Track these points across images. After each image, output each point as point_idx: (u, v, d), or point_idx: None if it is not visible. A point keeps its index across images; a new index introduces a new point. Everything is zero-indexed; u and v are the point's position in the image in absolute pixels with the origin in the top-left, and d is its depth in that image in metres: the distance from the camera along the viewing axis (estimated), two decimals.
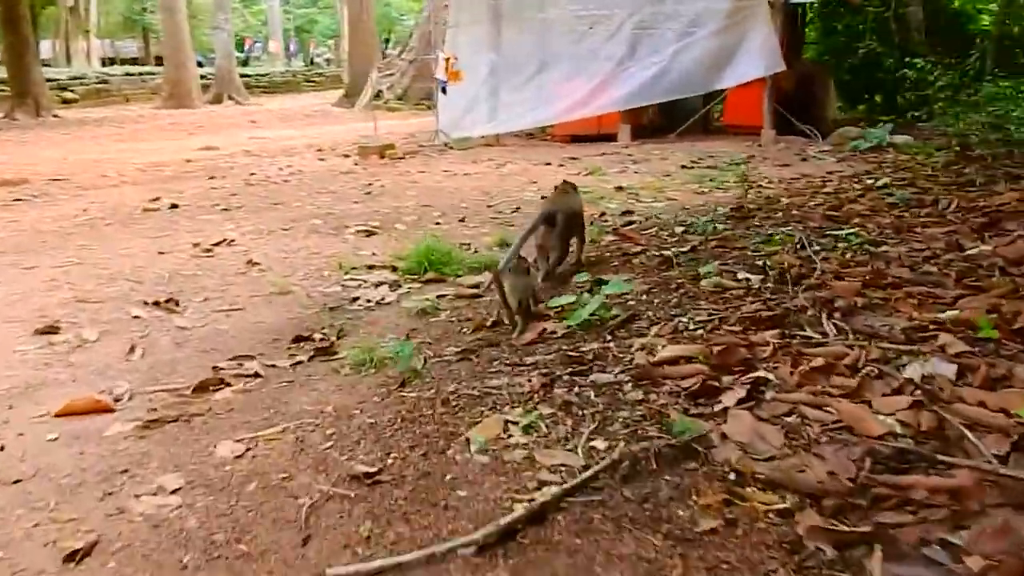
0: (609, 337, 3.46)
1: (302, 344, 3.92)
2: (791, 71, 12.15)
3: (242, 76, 31.57)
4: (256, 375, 3.55)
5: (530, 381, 3.04)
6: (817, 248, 4.56)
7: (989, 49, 20.13)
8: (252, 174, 10.27)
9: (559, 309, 3.83)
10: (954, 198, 5.95)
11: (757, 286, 3.88)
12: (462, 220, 6.83)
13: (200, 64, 31.93)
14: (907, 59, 19.91)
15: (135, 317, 4.42)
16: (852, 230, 4.93)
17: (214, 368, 3.64)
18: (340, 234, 6.42)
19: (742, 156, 10.63)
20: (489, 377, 3.19)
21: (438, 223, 6.73)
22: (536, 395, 2.90)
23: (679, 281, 4.14)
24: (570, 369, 3.12)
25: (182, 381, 3.51)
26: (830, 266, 4.10)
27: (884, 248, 4.44)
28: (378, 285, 4.88)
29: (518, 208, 7.27)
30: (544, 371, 3.14)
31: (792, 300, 3.57)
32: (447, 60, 12.41)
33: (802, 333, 3.19)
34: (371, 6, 26.47)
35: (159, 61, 36.43)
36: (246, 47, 48.94)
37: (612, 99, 12.31)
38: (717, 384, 2.75)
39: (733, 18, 11.71)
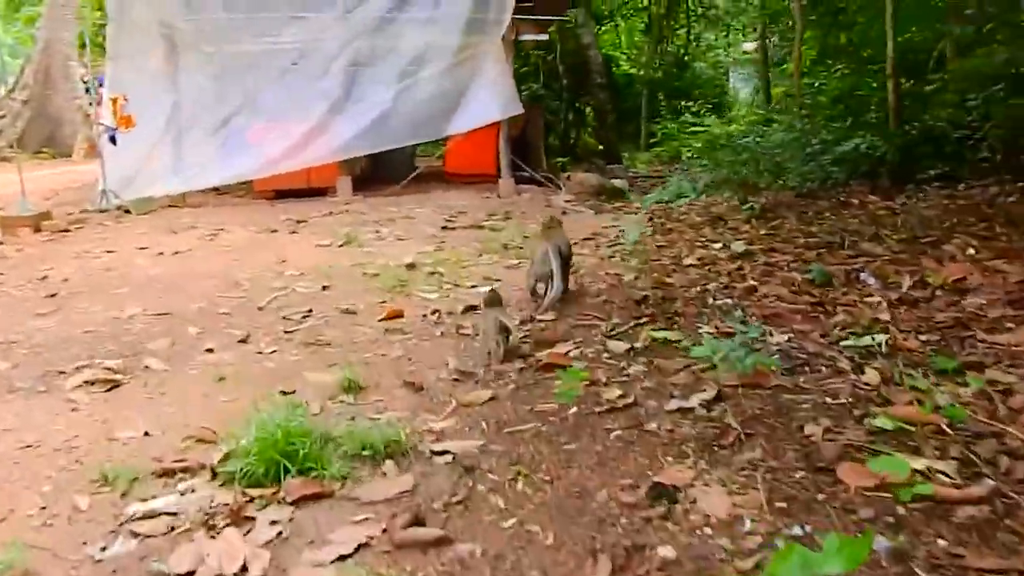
0: None
1: None
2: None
3: None
4: None
5: None
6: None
7: (644, 93, 20.95)
8: None
9: None
10: (882, 272, 4.86)
11: (984, 491, 2.24)
12: (244, 341, 4.47)
13: None
14: (577, 103, 20.03)
15: None
16: (877, 336, 3.52)
17: None
18: (55, 389, 3.77)
19: (506, 212, 9.17)
20: None
21: (210, 350, 4.31)
22: None
23: (814, 494, 2.38)
24: None
25: None
26: (1003, 425, 2.60)
27: (1000, 375, 3.05)
28: (207, 522, 2.54)
29: (309, 311, 5.02)
30: None
31: None
32: (115, 101, 9.48)
33: None
34: None
35: None
36: None
37: (328, 148, 10.22)
38: None
39: (462, 55, 10.22)
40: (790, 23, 17.33)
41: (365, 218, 9.07)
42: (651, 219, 8.24)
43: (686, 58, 22.06)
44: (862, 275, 4.81)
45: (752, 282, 4.94)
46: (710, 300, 4.58)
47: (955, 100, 10.02)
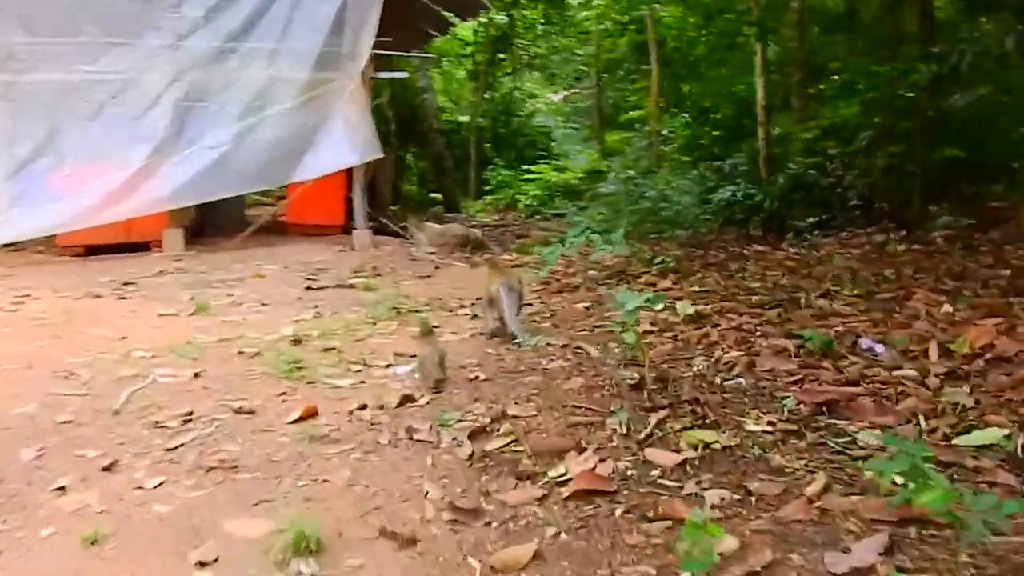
0: None
1: None
2: None
3: None
4: None
5: None
6: None
7: (472, 140, 20.32)
8: None
9: None
10: (887, 338, 4.19)
11: None
12: (109, 468, 3.10)
13: None
14: (402, 150, 18.99)
15: None
16: (999, 431, 2.76)
17: None
18: None
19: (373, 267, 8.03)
20: None
21: (62, 489, 2.92)
22: None
23: None
24: None
25: None
26: None
27: None
28: None
29: (190, 414, 3.69)
30: None
31: None
32: None
33: None
34: None
35: None
36: None
37: (155, 196, 8.60)
38: None
39: (314, 92, 8.99)
40: (622, 73, 17.32)
41: (207, 278, 7.62)
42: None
43: (512, 105, 21.63)
44: (862, 341, 4.13)
45: (738, 352, 4.14)
46: (716, 380, 3.72)
47: (817, 148, 9.96)
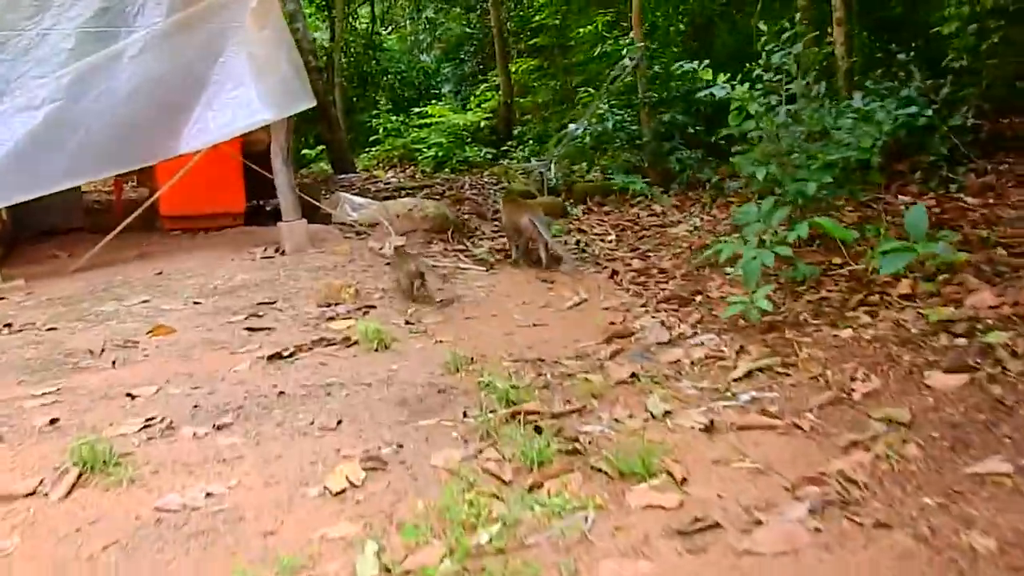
0: None
1: None
2: None
3: None
4: None
5: None
6: None
7: (338, 82, 16.56)
8: None
9: None
10: None
11: None
12: None
13: None
14: None
15: None
16: None
17: None
18: None
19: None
20: None
21: None
22: None
23: None
24: None
25: None
26: None
27: None
28: None
29: None
30: None
31: None
32: None
33: None
34: None
35: None
36: None
37: None
38: None
39: (192, 9, 5.39)
40: None
41: (63, 343, 4.05)
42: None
43: (376, 38, 17.82)
44: None
45: None
46: None
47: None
